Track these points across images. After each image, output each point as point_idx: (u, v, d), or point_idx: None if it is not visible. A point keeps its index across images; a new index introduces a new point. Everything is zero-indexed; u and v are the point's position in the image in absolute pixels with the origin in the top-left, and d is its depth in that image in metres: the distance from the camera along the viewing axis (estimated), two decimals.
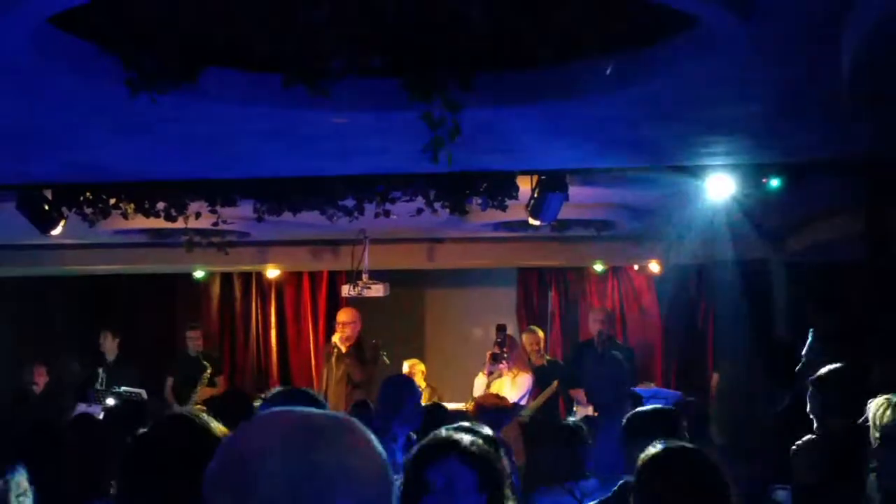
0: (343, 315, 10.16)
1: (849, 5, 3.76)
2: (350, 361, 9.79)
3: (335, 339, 9.95)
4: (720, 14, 3.81)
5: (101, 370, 10.65)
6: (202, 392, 10.34)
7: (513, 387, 9.40)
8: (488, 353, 9.54)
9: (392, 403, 5.71)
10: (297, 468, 1.49)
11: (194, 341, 11.04)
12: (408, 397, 5.82)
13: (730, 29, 3.91)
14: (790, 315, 10.41)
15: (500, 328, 9.82)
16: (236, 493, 1.50)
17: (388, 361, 9.95)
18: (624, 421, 4.87)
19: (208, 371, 10.60)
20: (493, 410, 6.82)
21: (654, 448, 3.36)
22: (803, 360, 6.67)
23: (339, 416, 1.63)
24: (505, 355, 9.41)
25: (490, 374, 9.52)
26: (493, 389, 9.42)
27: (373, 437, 1.60)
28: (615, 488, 4.49)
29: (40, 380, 10.54)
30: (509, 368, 9.41)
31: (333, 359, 9.88)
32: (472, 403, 9.36)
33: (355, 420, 1.62)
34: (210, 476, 1.55)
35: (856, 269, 7.93)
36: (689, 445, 3.50)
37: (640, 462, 3.36)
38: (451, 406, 7.91)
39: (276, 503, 1.48)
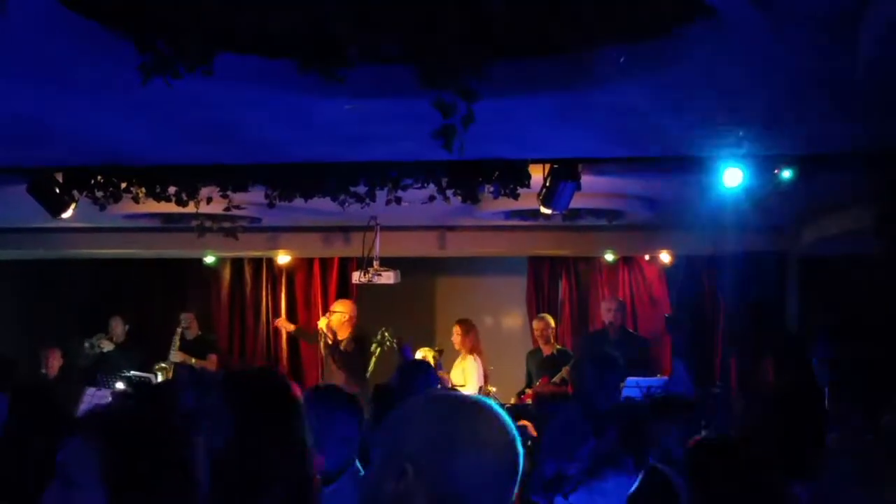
0: (336, 305, 10.31)
1: None
2: (327, 348, 9.93)
3: (320, 324, 10.07)
4: (737, 3, 3.78)
5: (105, 354, 10.74)
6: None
7: (463, 374, 10.17)
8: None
9: (408, 390, 5.71)
10: (436, 434, 1.86)
11: (187, 324, 11.10)
12: (422, 383, 5.84)
13: (746, 18, 3.89)
14: (803, 308, 10.39)
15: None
16: (388, 448, 1.91)
17: (396, 349, 9.96)
18: (649, 407, 4.88)
19: (193, 361, 10.69)
20: (550, 398, 6.90)
21: (707, 436, 3.46)
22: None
23: (476, 398, 2.00)
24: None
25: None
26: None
27: (506, 416, 1.92)
28: (643, 473, 4.47)
29: (55, 363, 10.59)
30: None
31: (321, 343, 10.08)
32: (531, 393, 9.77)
33: (491, 401, 1.96)
34: (376, 436, 1.98)
35: (869, 261, 7.90)
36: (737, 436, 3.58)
37: (693, 448, 3.42)
38: None
39: (416, 461, 1.84)
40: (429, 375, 6.12)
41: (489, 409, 1.92)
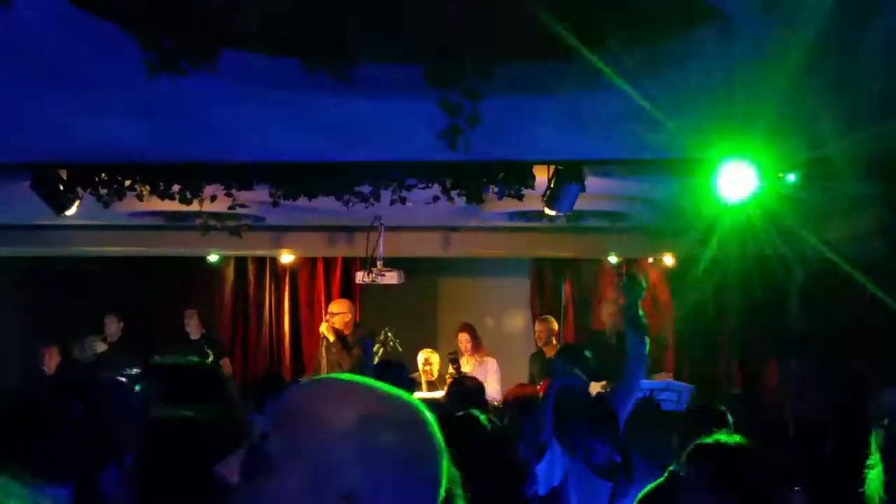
0: (333, 306, 10.31)
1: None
2: (336, 350, 9.91)
3: (322, 328, 10.07)
4: (743, 5, 3.78)
5: (102, 354, 10.72)
6: None
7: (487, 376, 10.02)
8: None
9: None
10: (379, 464, 1.58)
11: (190, 322, 11.08)
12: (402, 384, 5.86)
13: (752, 20, 3.88)
14: (806, 311, 10.37)
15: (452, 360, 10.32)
16: (309, 463, 1.57)
17: (399, 349, 9.98)
18: (683, 414, 4.91)
19: (210, 359, 10.63)
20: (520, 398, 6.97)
21: (705, 439, 3.44)
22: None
23: (407, 400, 1.69)
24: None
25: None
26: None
27: (433, 422, 1.68)
28: (664, 475, 4.48)
29: (52, 361, 10.58)
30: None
31: (323, 348, 10.03)
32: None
33: (421, 405, 1.69)
34: (283, 432, 1.60)
35: (873, 266, 7.88)
36: (736, 439, 3.55)
37: (687, 451, 3.42)
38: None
39: (349, 483, 1.55)
40: (401, 377, 6.13)
41: (427, 425, 1.67)
